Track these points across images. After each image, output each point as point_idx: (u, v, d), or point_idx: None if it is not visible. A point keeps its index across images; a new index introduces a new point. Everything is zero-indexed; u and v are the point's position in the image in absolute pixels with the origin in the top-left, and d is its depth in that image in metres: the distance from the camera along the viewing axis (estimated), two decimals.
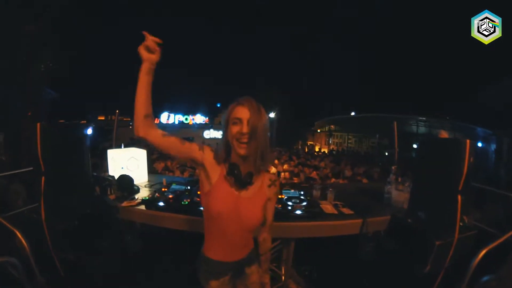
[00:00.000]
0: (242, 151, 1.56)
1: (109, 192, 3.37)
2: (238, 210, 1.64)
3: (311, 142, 33.45)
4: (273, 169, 9.43)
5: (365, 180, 8.23)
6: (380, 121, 23.79)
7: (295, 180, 8.01)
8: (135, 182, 3.64)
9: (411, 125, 24.88)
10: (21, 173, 4.55)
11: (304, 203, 3.06)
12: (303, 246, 3.48)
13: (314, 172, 9.29)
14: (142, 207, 3.00)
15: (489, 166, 14.64)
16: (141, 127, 1.47)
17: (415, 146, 20.90)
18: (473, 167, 2.27)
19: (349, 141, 30.39)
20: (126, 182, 3.46)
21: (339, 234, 2.83)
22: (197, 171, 1.77)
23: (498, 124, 14.47)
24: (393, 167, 3.69)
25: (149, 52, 1.47)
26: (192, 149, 1.60)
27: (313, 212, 2.92)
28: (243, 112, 1.55)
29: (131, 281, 3.35)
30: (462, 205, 2.29)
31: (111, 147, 4.58)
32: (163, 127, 27.76)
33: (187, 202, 2.96)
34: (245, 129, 1.53)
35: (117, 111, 5.76)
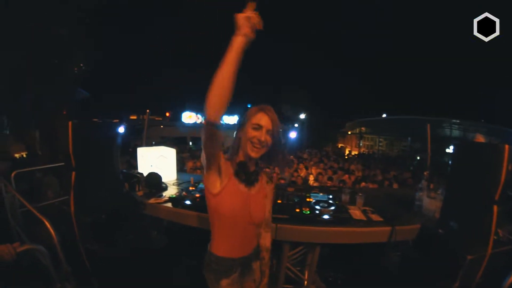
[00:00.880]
0: (254, 154, 1.66)
1: (137, 189, 3.42)
2: (248, 206, 1.72)
3: (341, 144, 33.08)
4: (303, 171, 9.39)
5: (395, 185, 8.04)
6: (412, 123, 23.21)
7: (328, 183, 7.91)
8: (164, 180, 3.68)
9: (444, 128, 23.93)
10: (56, 167, 4.70)
11: (332, 208, 2.99)
12: (327, 251, 3.41)
13: (346, 175, 9.15)
14: (169, 204, 3.02)
15: None
16: (218, 110, 1.37)
17: (448, 150, 20.36)
18: (511, 175, 2.12)
19: (380, 143, 29.80)
20: (154, 180, 3.50)
21: (367, 241, 2.73)
22: (205, 172, 1.66)
23: None
24: (425, 173, 3.55)
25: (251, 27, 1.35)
26: (220, 147, 1.58)
27: (341, 218, 2.84)
28: (265, 121, 1.66)
29: (151, 275, 3.36)
30: (497, 216, 2.16)
31: (141, 145, 4.66)
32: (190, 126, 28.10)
33: None
34: (263, 138, 1.64)
35: (147, 110, 5.87)
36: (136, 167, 4.02)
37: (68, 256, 2.36)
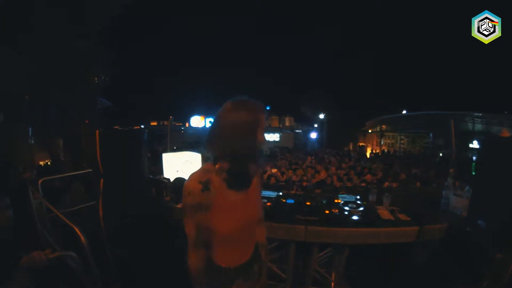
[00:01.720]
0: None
1: (164, 194, 3.45)
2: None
3: (362, 143, 32.73)
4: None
5: (418, 184, 7.92)
6: (434, 119, 22.68)
7: (348, 184, 7.84)
8: None
9: (466, 122, 23.04)
10: (81, 174, 4.79)
11: (361, 208, 2.96)
12: (353, 252, 3.36)
13: (369, 175, 9.06)
14: None
15: None
16: None
17: (471, 145, 19.93)
18: None
19: (402, 141, 29.26)
20: (181, 185, 3.51)
21: (396, 241, 2.70)
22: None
23: None
24: (451, 170, 3.48)
25: None
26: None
27: (370, 218, 2.81)
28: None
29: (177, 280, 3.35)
30: None
31: (164, 151, 4.69)
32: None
33: None
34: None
35: (170, 116, 5.94)
36: (161, 172, 4.05)
37: (96, 260, 2.39)
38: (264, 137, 1.50)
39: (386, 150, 26.20)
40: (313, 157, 15.00)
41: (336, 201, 3.18)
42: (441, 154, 20.73)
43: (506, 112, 21.20)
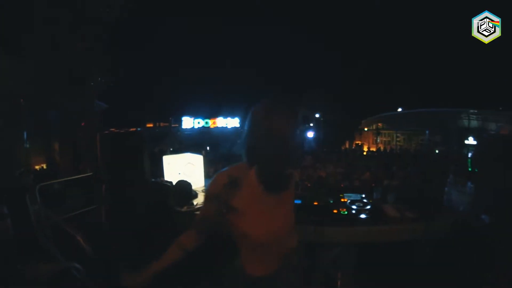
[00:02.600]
0: None
1: (168, 198, 3.39)
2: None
3: (358, 142, 32.89)
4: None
5: (415, 180, 7.93)
6: (429, 116, 22.96)
7: (342, 185, 7.81)
8: (193, 187, 3.63)
9: (462, 119, 23.64)
10: (80, 178, 4.72)
11: (368, 207, 2.95)
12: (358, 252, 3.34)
13: (368, 173, 9.05)
14: None
15: None
16: None
17: (467, 142, 20.15)
18: None
19: (398, 139, 29.51)
20: (184, 188, 3.46)
21: (403, 238, 2.73)
22: None
23: None
24: (452, 166, 3.50)
25: None
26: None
27: (377, 216, 2.83)
28: None
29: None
30: None
31: (162, 153, 4.64)
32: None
33: None
34: None
35: (170, 118, 5.90)
36: (161, 175, 3.99)
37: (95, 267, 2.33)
38: (300, 137, 1.38)
39: (382, 148, 26.30)
40: (310, 156, 14.98)
41: (342, 200, 3.16)
42: (437, 151, 20.88)
43: (501, 108, 21.48)
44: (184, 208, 3.07)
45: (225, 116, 30.42)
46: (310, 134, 30.42)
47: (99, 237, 2.69)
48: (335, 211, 2.87)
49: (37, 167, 10.94)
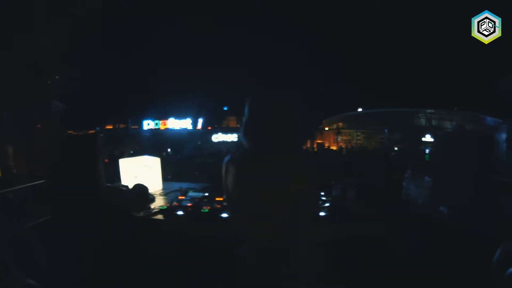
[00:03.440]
0: None
1: (124, 202, 3.30)
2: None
3: (319, 141, 33.37)
4: None
5: (378, 177, 8.10)
6: (388, 116, 23.79)
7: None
8: (150, 191, 3.55)
9: (420, 118, 24.84)
10: (34, 185, 4.53)
11: (327, 204, 2.97)
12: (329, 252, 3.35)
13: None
14: (160, 216, 2.94)
15: (501, 156, 14.46)
16: None
17: (424, 139, 21.01)
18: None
19: (358, 137, 30.22)
20: (141, 192, 3.39)
21: (364, 235, 2.70)
22: None
23: (508, 112, 14.32)
24: (410, 163, 3.61)
25: None
26: None
27: (337, 214, 2.82)
28: None
29: None
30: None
31: (120, 156, 4.53)
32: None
33: (207, 210, 2.88)
34: None
35: (129, 119, 5.76)
36: (118, 179, 3.89)
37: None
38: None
39: (343, 146, 26.79)
40: None
41: None
42: (396, 148, 21.48)
43: (455, 108, 22.61)
44: (141, 213, 3.00)
45: (185, 117, 30.15)
46: None
47: (56, 250, 2.58)
48: None
49: None
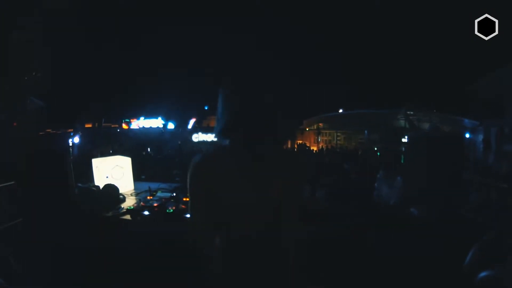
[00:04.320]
0: None
1: (94, 203, 3.31)
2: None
3: (300, 141, 33.50)
4: None
5: (353, 176, 8.20)
6: (368, 117, 24.13)
7: None
8: (121, 191, 3.56)
9: (399, 119, 25.24)
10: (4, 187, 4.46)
11: None
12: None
13: None
14: (127, 216, 2.95)
15: (478, 156, 14.82)
16: None
17: (404, 140, 21.33)
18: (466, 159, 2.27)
19: (338, 138, 30.50)
20: (111, 192, 3.40)
21: (330, 235, 2.71)
22: None
23: (485, 114, 14.67)
24: (382, 163, 3.67)
25: None
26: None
27: (305, 213, 2.84)
28: None
29: None
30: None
31: (97, 156, 4.51)
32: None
33: (172, 210, 2.91)
34: None
35: (102, 118, 5.70)
36: (91, 179, 3.88)
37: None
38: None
39: (324, 147, 26.96)
40: None
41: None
42: (375, 148, 21.74)
43: (434, 111, 23.18)
44: (110, 214, 3.02)
45: (159, 116, 30.09)
46: None
47: (27, 253, 2.58)
48: None
49: None
